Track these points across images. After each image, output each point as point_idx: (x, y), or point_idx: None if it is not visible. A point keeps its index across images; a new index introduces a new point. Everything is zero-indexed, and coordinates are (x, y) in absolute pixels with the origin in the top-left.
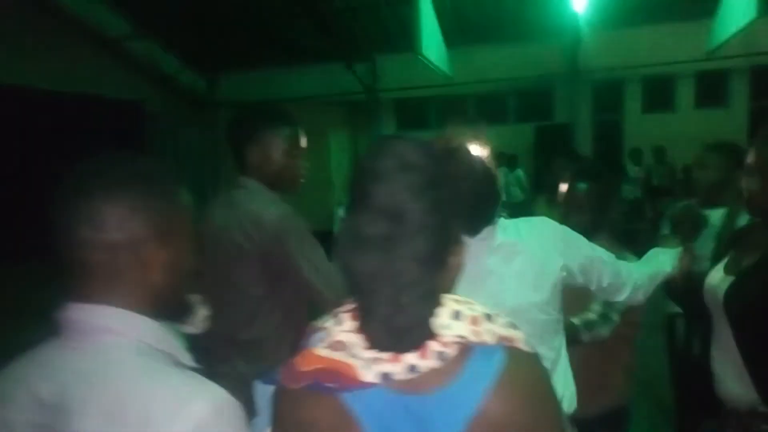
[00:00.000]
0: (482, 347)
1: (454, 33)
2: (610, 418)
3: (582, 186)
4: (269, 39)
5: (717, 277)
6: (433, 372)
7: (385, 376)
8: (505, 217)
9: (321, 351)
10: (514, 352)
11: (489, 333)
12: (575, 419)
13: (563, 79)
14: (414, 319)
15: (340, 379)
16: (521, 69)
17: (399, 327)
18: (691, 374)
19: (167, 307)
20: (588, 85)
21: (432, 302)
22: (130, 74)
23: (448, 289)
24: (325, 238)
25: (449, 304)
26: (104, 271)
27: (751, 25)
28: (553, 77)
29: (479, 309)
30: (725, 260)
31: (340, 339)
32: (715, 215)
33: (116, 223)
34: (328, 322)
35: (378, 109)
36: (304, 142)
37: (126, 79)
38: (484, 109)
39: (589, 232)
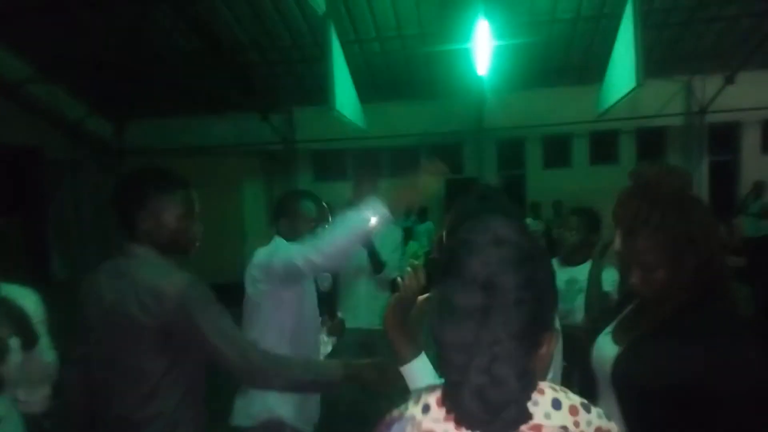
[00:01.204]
0: None
1: (368, 89)
2: None
3: None
4: (182, 88)
5: (606, 346)
6: None
7: None
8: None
9: None
10: None
11: (587, 424)
12: None
13: (470, 136)
14: (509, 395)
15: None
16: (432, 125)
17: (493, 401)
18: None
19: None
20: (493, 142)
21: (527, 383)
22: (32, 119)
23: (541, 378)
24: (236, 289)
25: (548, 391)
26: None
27: (631, 92)
28: (461, 134)
29: (575, 398)
30: (613, 325)
31: (429, 428)
32: (581, 272)
33: None
34: (411, 410)
35: (295, 159)
36: (197, 204)
37: (27, 125)
38: (399, 162)
39: None
